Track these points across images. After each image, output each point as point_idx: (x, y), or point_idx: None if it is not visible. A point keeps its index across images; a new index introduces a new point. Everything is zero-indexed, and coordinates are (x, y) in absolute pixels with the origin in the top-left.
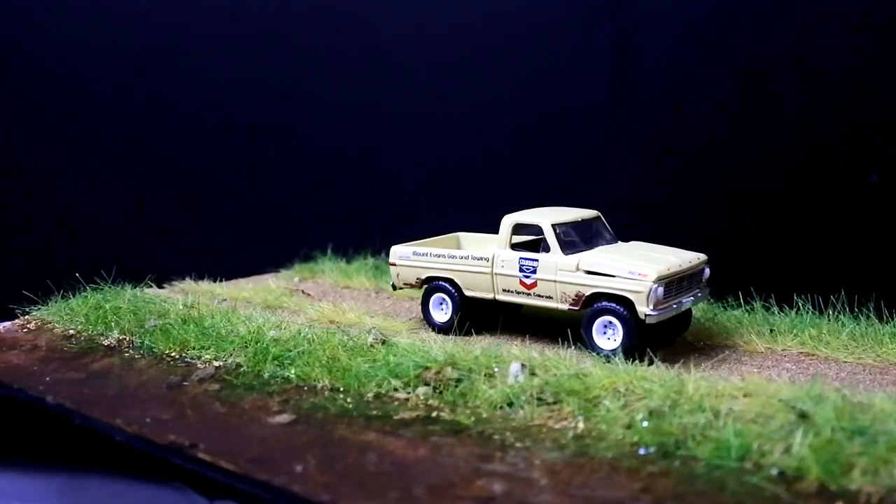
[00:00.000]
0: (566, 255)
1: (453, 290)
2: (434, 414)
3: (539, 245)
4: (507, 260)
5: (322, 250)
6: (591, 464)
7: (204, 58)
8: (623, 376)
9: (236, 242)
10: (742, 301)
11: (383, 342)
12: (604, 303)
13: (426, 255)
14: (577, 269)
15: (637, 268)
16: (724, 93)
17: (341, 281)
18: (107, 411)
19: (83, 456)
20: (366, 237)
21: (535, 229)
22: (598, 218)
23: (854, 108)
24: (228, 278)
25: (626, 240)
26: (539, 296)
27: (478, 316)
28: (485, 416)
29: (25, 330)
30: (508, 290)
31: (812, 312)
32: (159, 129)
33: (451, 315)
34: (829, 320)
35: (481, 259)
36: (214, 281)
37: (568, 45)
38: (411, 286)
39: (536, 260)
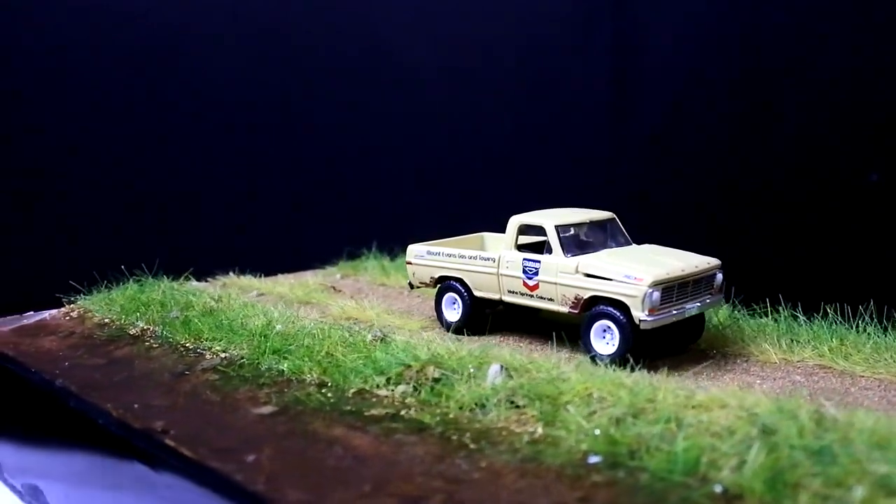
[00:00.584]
0: (567, 257)
1: (463, 291)
2: (403, 412)
3: (545, 247)
4: (512, 261)
5: (368, 248)
6: (538, 469)
7: (245, 54)
8: (598, 383)
9: (287, 239)
10: (769, 308)
11: (382, 339)
12: (601, 307)
13: (439, 254)
14: (577, 272)
15: (633, 271)
16: (724, 93)
17: (379, 278)
18: (104, 396)
19: (71, 436)
20: (409, 235)
21: (540, 230)
22: (611, 220)
23: (854, 108)
24: (276, 273)
25: (638, 242)
26: (541, 298)
27: (487, 317)
28: (451, 416)
29: (68, 318)
30: (513, 292)
31: (840, 322)
32: (212, 126)
33: (462, 315)
34: (857, 331)
35: (488, 260)
36: (256, 276)
37: (568, 45)
38: (426, 285)
39: (538, 261)
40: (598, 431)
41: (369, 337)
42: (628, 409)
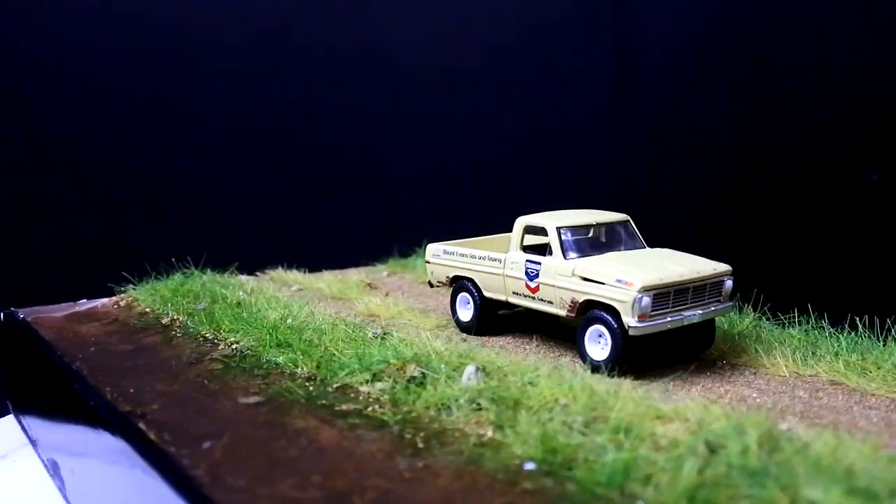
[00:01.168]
0: (566, 259)
1: (474, 291)
2: (371, 408)
3: (546, 248)
4: (516, 262)
5: (419, 246)
6: (474, 472)
7: (316, 53)
8: (566, 389)
9: (341, 236)
10: (796, 318)
11: (382, 336)
12: (595, 311)
13: (453, 254)
14: (573, 275)
15: (625, 275)
16: (724, 92)
17: (423, 277)
18: (108, 380)
19: (78, 415)
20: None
21: (543, 232)
22: (623, 223)
23: (855, 107)
24: (328, 269)
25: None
26: (542, 300)
27: (499, 317)
28: (414, 415)
29: (116, 307)
30: (517, 293)
31: (867, 336)
32: (267, 123)
33: (473, 315)
34: (883, 346)
35: (495, 260)
36: (303, 271)
37: (568, 46)
38: (442, 284)
39: (539, 263)
40: (532, 441)
41: (370, 333)
42: (583, 416)
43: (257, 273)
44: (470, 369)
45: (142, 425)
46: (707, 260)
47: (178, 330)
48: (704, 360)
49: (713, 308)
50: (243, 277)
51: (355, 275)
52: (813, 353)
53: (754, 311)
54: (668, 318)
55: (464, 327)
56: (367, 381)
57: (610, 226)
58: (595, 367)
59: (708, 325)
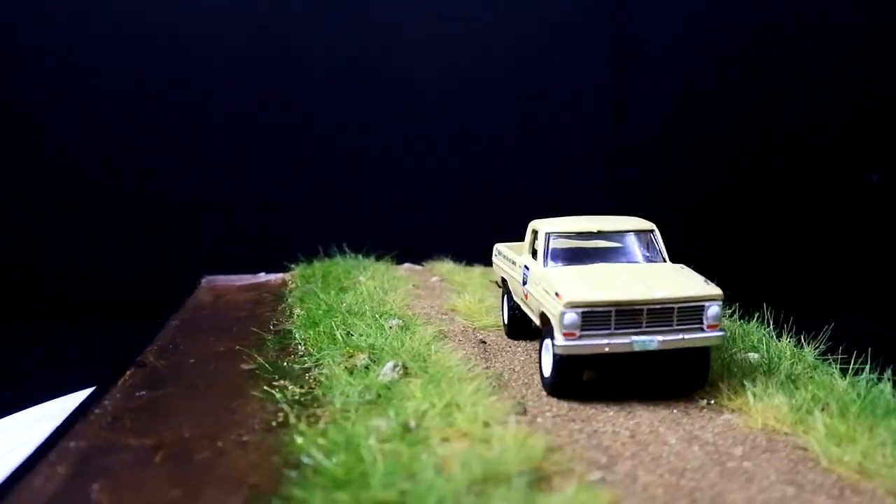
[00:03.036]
0: (545, 266)
1: (506, 293)
2: (292, 387)
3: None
4: (520, 267)
5: None
6: (262, 464)
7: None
8: (435, 397)
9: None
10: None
11: (401, 328)
12: (548, 325)
13: (499, 254)
14: (540, 284)
15: (563, 289)
16: (724, 92)
17: None
18: (171, 335)
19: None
20: None
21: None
22: (640, 232)
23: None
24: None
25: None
26: (528, 307)
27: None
28: (301, 399)
29: (280, 281)
30: (519, 298)
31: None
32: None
33: (507, 316)
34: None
35: (514, 264)
36: (461, 263)
37: (568, 46)
38: (498, 285)
39: (529, 269)
40: (300, 438)
41: (390, 323)
42: (391, 426)
43: (422, 263)
44: (389, 365)
45: (133, 369)
46: (700, 283)
47: (284, 304)
48: (693, 400)
49: (684, 336)
50: (405, 265)
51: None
52: (815, 406)
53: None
54: (607, 341)
55: (506, 329)
56: (334, 364)
57: (619, 235)
58: (544, 384)
59: (696, 357)
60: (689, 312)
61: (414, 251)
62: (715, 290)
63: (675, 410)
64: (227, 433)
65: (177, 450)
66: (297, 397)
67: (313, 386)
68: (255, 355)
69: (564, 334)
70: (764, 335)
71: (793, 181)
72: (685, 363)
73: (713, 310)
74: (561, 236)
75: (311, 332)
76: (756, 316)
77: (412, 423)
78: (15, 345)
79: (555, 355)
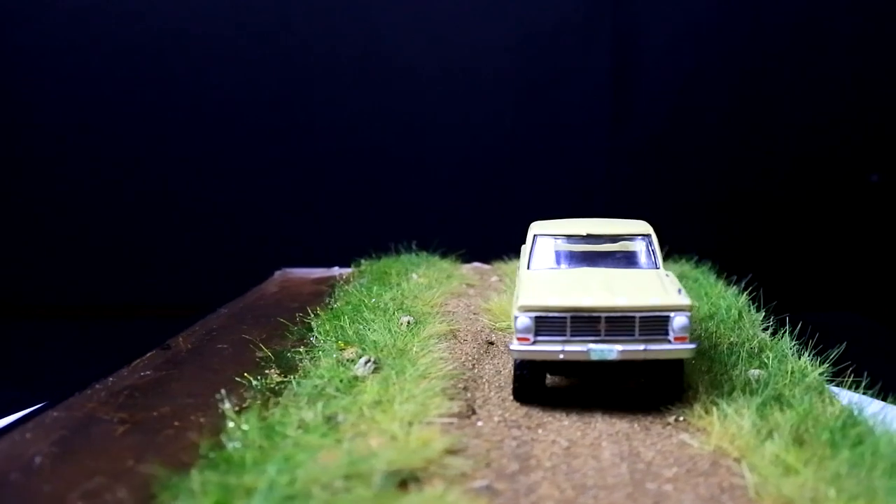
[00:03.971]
0: (528, 269)
1: None
2: (274, 375)
3: None
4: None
5: None
6: (197, 445)
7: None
8: (387, 394)
9: None
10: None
11: (410, 325)
12: None
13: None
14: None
15: (523, 291)
16: (724, 92)
17: None
18: (215, 321)
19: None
20: None
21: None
22: (633, 237)
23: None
24: None
25: None
26: None
27: None
28: (280, 387)
29: (344, 275)
30: None
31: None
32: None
33: None
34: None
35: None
36: None
37: (568, 47)
38: None
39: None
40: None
41: (402, 320)
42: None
43: (492, 262)
44: (363, 359)
45: (160, 350)
46: (672, 292)
47: (333, 297)
48: (663, 414)
49: (647, 347)
50: (473, 264)
51: None
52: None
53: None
54: (562, 348)
55: None
56: (322, 357)
57: (610, 239)
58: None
59: (666, 370)
60: (653, 322)
61: (487, 250)
62: (682, 301)
63: (637, 425)
64: (193, 414)
65: (139, 427)
66: (272, 385)
67: (295, 376)
68: (262, 345)
69: (518, 339)
70: (784, 350)
71: (793, 181)
72: (655, 375)
73: (679, 321)
74: (549, 239)
75: (329, 326)
76: (784, 330)
77: (340, 417)
78: (38, 345)
79: (514, 360)
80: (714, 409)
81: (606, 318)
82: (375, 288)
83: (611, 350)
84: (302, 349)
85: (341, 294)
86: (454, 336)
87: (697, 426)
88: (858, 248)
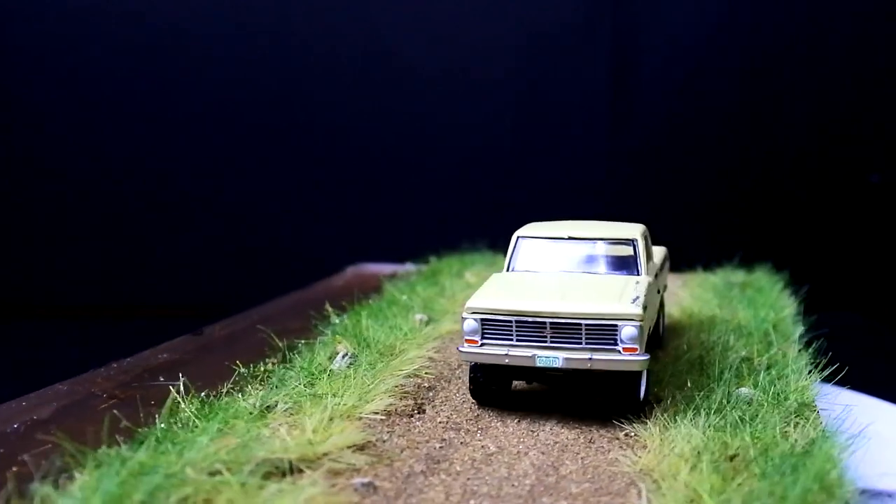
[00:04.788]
0: (507, 271)
1: None
2: (268, 364)
3: None
4: None
5: None
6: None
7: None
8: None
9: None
10: None
11: (427, 323)
12: None
13: None
14: None
15: (476, 294)
16: (724, 92)
17: None
18: (261, 308)
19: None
20: None
21: None
22: (617, 241)
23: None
24: None
25: None
26: None
27: None
28: (264, 376)
29: (412, 271)
30: None
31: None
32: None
33: None
34: None
35: None
36: None
37: (568, 48)
38: None
39: None
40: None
41: (416, 318)
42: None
43: None
44: (341, 352)
45: (190, 336)
46: (625, 301)
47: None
48: (616, 428)
49: (592, 357)
50: None
51: None
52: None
53: None
54: (506, 352)
55: None
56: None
57: (591, 242)
58: None
59: (619, 381)
60: (600, 331)
61: None
62: (630, 310)
63: (583, 437)
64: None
65: (121, 402)
66: (257, 374)
67: (281, 366)
68: (274, 336)
69: (466, 341)
70: (787, 369)
71: (793, 182)
72: (608, 386)
73: (628, 331)
74: (531, 241)
75: (349, 321)
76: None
77: (279, 406)
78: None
79: (484, 364)
80: (662, 427)
81: (551, 323)
82: (421, 286)
83: (556, 357)
84: (313, 341)
85: (387, 290)
86: (459, 335)
87: (642, 442)
88: (859, 249)
